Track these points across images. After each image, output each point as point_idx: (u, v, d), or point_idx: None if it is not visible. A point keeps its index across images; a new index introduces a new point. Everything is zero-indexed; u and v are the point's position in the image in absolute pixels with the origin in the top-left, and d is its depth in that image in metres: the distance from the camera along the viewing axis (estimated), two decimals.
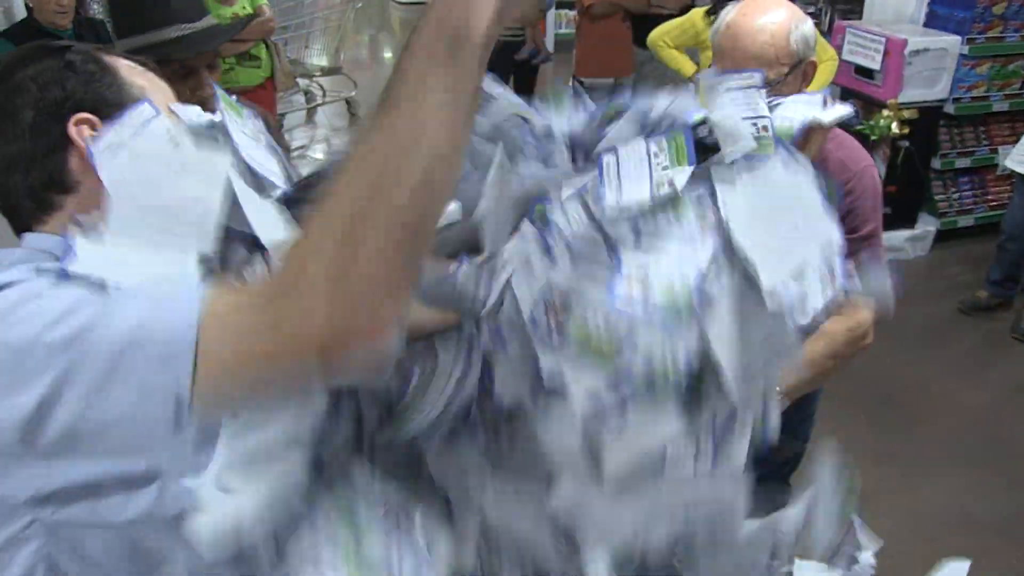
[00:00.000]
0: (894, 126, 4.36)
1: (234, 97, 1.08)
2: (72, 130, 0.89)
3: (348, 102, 7.34)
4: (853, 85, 4.65)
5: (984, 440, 3.25)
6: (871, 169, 1.75)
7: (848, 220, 1.73)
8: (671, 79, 4.95)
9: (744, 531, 1.02)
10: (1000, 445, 3.23)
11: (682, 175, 0.80)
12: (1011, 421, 3.38)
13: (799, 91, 1.66)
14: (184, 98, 1.50)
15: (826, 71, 3.93)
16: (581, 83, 5.38)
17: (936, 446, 3.22)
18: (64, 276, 0.76)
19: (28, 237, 0.92)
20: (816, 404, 2.06)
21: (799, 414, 2.03)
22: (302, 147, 6.67)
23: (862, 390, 3.49)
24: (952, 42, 4.41)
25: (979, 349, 3.93)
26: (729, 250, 0.80)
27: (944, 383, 3.63)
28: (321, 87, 7.52)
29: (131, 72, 0.97)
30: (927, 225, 4.81)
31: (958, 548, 2.69)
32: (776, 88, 1.59)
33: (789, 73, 1.59)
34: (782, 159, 0.83)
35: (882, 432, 3.28)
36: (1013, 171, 4.06)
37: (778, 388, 1.49)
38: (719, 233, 0.80)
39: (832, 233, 0.87)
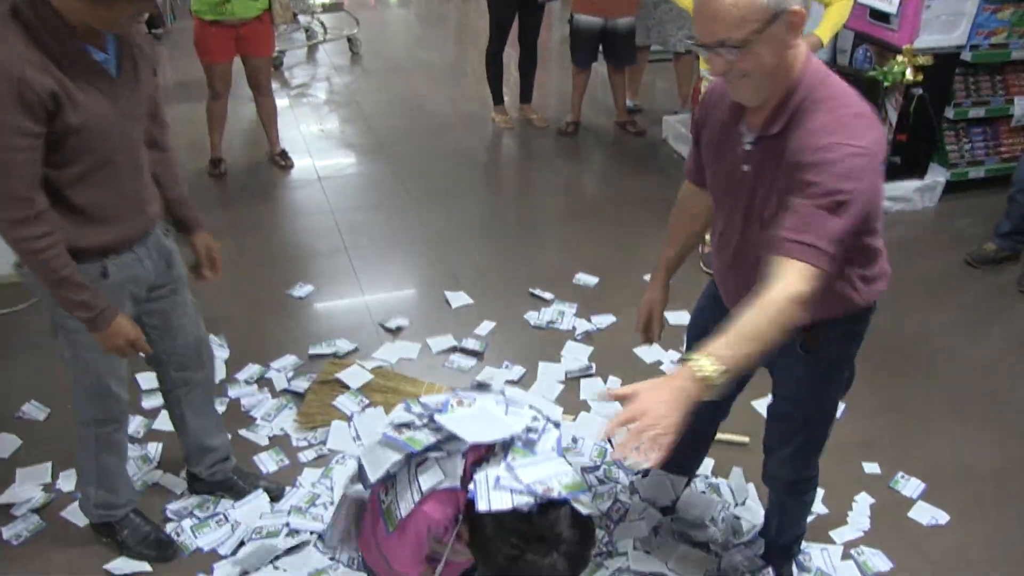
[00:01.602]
0: (908, 73, 4.24)
1: None
2: None
3: (350, 40, 7.20)
4: (867, 29, 4.51)
5: (984, 393, 3.22)
6: (859, 158, 1.51)
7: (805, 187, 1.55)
8: (686, 18, 4.86)
9: None
10: (1000, 398, 3.20)
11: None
12: (1012, 375, 3.34)
13: (786, 46, 1.54)
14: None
15: (839, 12, 3.80)
16: (571, 21, 5.28)
17: (936, 397, 3.20)
18: None
19: None
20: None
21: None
22: (303, 85, 6.55)
23: (866, 339, 3.45)
24: None
25: (984, 302, 3.87)
26: None
27: (947, 335, 3.58)
28: (322, 24, 7.38)
29: None
30: (937, 176, 4.71)
31: (954, 498, 2.69)
32: (748, 48, 1.49)
33: (763, 31, 1.48)
34: None
35: (883, 381, 3.25)
36: None
37: (723, 368, 1.42)
38: None
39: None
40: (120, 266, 2.00)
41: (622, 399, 1.44)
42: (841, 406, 3.05)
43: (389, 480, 1.60)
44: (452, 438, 1.57)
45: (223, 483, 2.58)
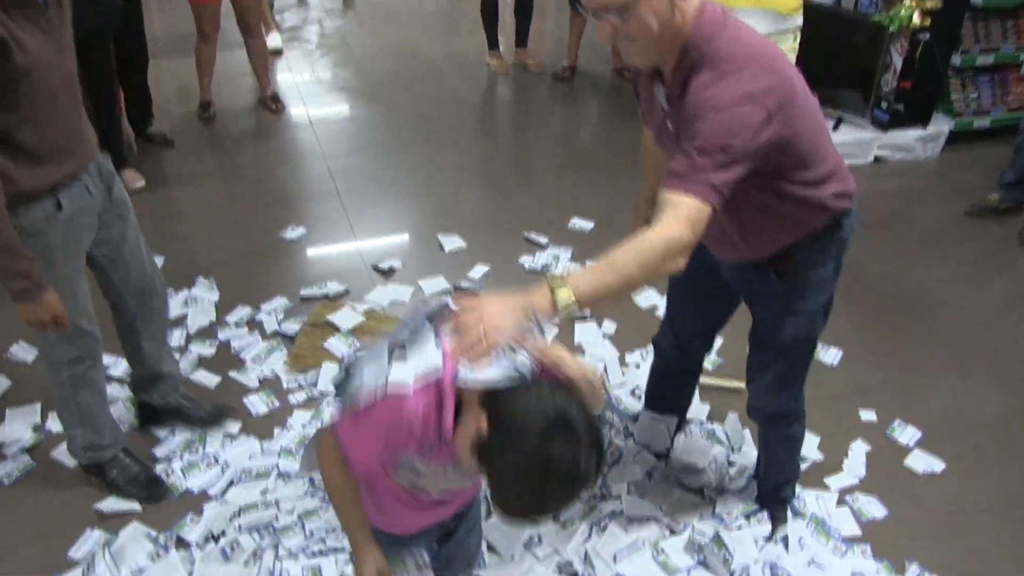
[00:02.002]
0: (915, 17, 4.13)
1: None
2: None
3: None
4: None
5: (984, 345, 3.19)
6: (745, 106, 1.50)
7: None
8: None
9: None
10: (1001, 351, 3.16)
11: None
12: (1014, 328, 3.30)
13: (672, 11, 1.51)
14: None
15: None
16: None
17: (935, 348, 3.16)
18: None
19: None
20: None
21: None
22: (294, 28, 6.40)
23: (864, 288, 3.42)
24: None
25: (986, 254, 3.82)
26: None
27: (947, 286, 3.54)
28: None
29: None
30: (940, 125, 4.62)
31: (951, 448, 2.67)
32: (630, 13, 1.47)
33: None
34: None
35: (882, 331, 3.22)
36: None
37: (574, 301, 1.38)
38: None
39: None
40: (71, 198, 1.97)
41: (464, 306, 1.35)
42: (838, 353, 3.04)
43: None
44: (422, 328, 1.37)
45: (176, 408, 2.60)
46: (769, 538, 2.27)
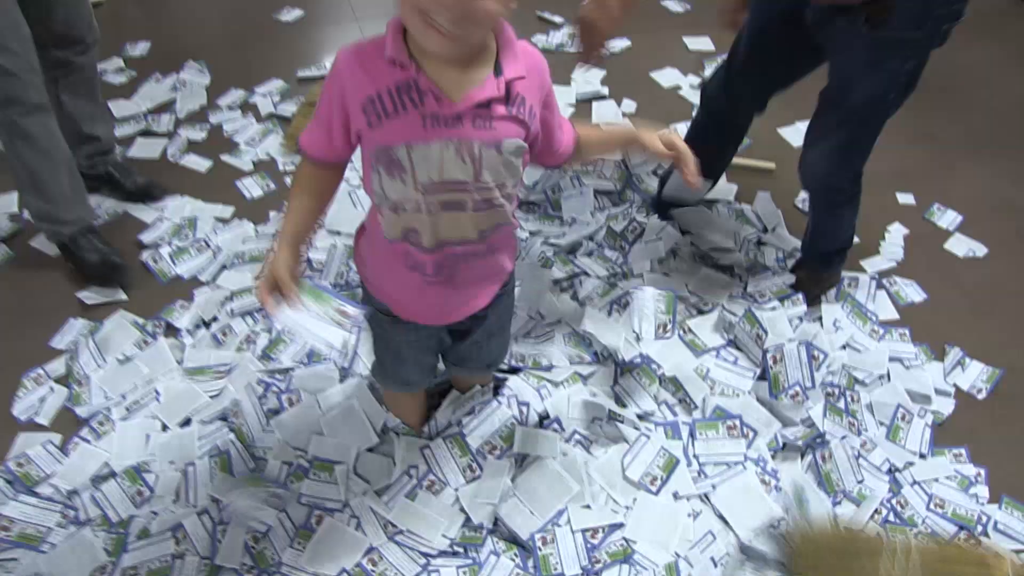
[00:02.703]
0: None
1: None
2: None
3: None
4: None
5: None
6: None
7: None
8: None
9: None
10: None
11: None
12: None
13: None
14: None
15: None
16: None
17: (975, 130, 2.95)
18: None
19: None
20: None
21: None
22: None
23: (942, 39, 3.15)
24: None
25: None
26: None
27: (991, 70, 3.28)
28: None
29: None
30: None
31: (991, 231, 2.48)
32: None
33: None
34: None
35: (920, 113, 2.96)
36: None
37: None
38: None
39: None
40: None
41: None
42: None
43: None
44: None
45: (102, 177, 2.45)
46: (803, 317, 2.11)
